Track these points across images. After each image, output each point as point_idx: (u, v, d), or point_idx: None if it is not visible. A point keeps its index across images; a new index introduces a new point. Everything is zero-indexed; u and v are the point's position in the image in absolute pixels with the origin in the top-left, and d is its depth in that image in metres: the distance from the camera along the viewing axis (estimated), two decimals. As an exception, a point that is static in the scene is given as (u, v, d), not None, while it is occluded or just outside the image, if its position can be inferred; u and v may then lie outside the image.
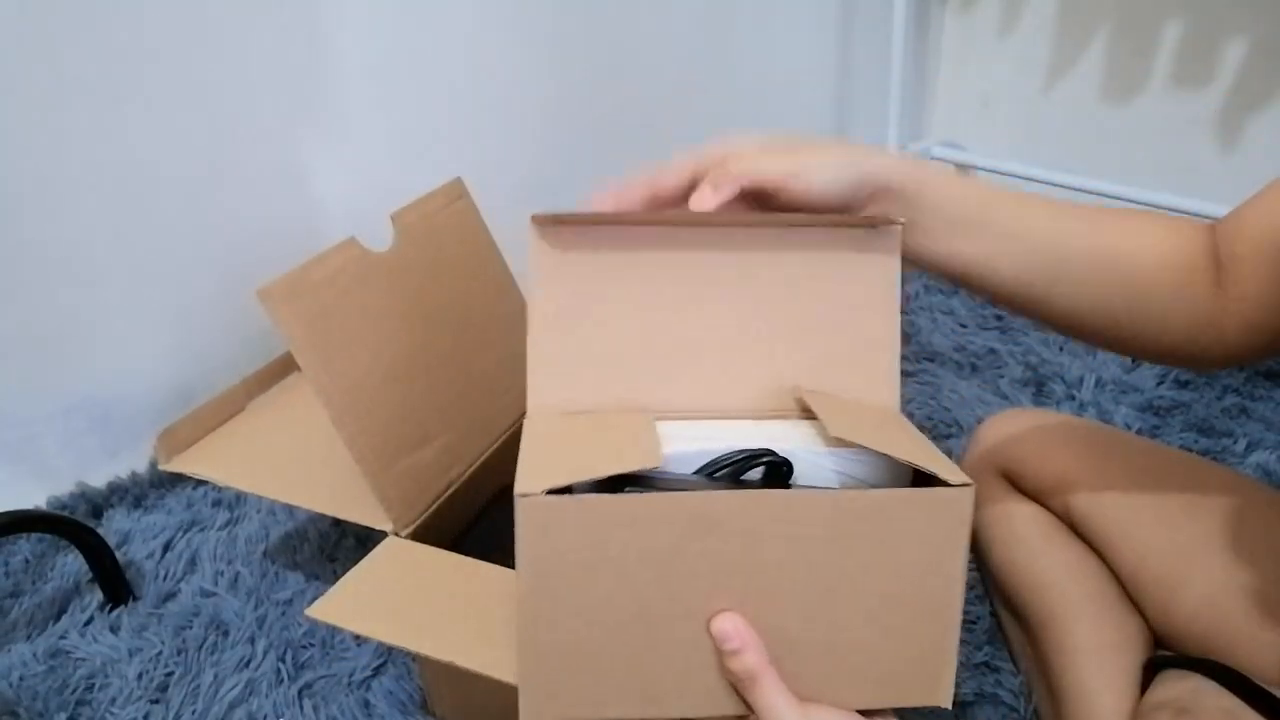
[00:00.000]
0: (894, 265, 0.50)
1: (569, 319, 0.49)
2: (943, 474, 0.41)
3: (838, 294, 0.50)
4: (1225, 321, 0.54)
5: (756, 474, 0.45)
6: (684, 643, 0.43)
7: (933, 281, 1.37)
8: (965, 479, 0.41)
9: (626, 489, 0.41)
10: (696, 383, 0.50)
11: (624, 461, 0.41)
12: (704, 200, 0.48)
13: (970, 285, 0.55)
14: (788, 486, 0.45)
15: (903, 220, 0.50)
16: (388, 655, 0.79)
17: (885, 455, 0.42)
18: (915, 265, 0.53)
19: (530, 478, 0.41)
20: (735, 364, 0.50)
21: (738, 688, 0.44)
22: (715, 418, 0.49)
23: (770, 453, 0.44)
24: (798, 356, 0.50)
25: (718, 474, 0.44)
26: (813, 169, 0.49)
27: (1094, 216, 0.55)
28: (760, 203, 0.50)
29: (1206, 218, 1.17)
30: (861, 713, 0.45)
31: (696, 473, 0.45)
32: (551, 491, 0.40)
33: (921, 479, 0.43)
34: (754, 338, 0.50)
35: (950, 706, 0.44)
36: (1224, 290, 0.54)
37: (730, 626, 0.43)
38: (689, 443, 0.45)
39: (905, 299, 1.34)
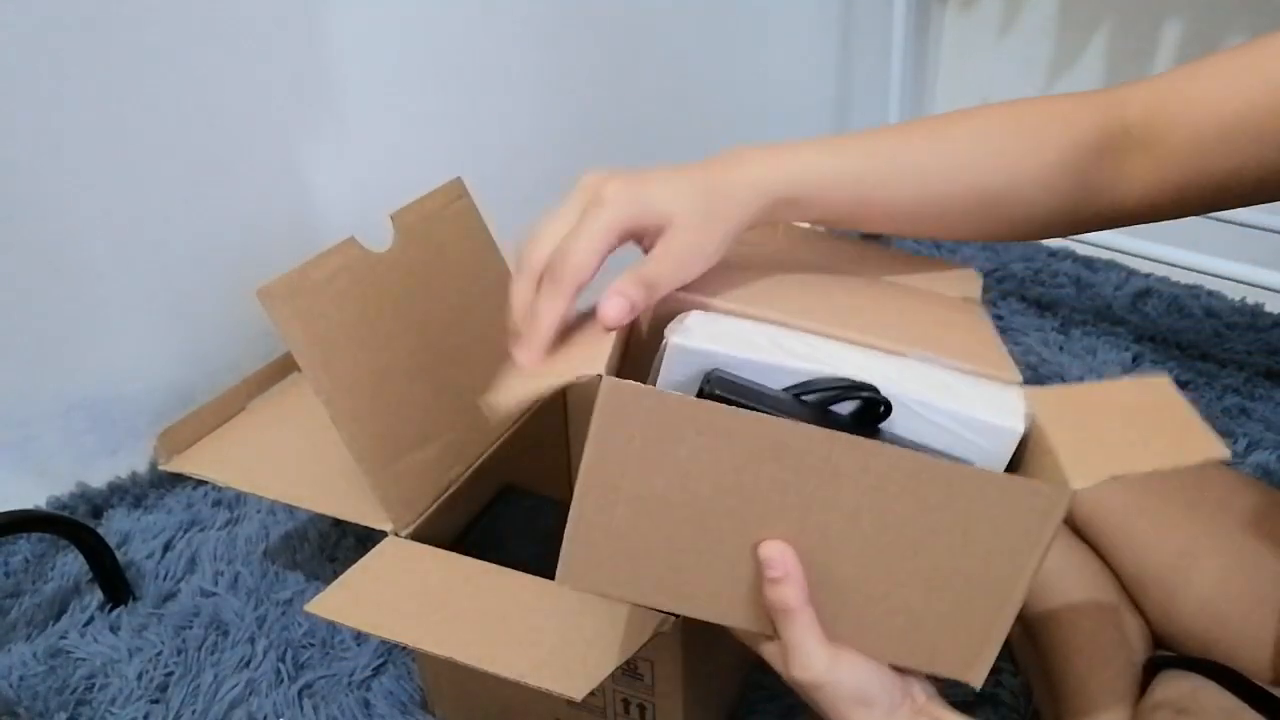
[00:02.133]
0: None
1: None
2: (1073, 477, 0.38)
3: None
4: (1122, 189, 0.53)
5: (851, 405, 0.42)
6: (729, 555, 0.42)
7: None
8: (1084, 481, 0.38)
9: (712, 391, 0.40)
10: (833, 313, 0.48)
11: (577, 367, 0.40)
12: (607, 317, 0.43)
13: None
14: (878, 428, 0.43)
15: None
16: (388, 655, 0.79)
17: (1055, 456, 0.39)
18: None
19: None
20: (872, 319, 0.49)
21: (771, 615, 0.43)
22: (847, 339, 0.46)
23: (871, 389, 0.42)
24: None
25: (806, 396, 0.42)
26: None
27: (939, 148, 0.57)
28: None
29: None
30: (894, 668, 0.44)
31: (785, 390, 0.43)
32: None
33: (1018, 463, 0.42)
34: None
35: (979, 687, 0.43)
36: (1129, 161, 0.53)
37: (777, 554, 0.41)
38: (793, 358, 0.43)
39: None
